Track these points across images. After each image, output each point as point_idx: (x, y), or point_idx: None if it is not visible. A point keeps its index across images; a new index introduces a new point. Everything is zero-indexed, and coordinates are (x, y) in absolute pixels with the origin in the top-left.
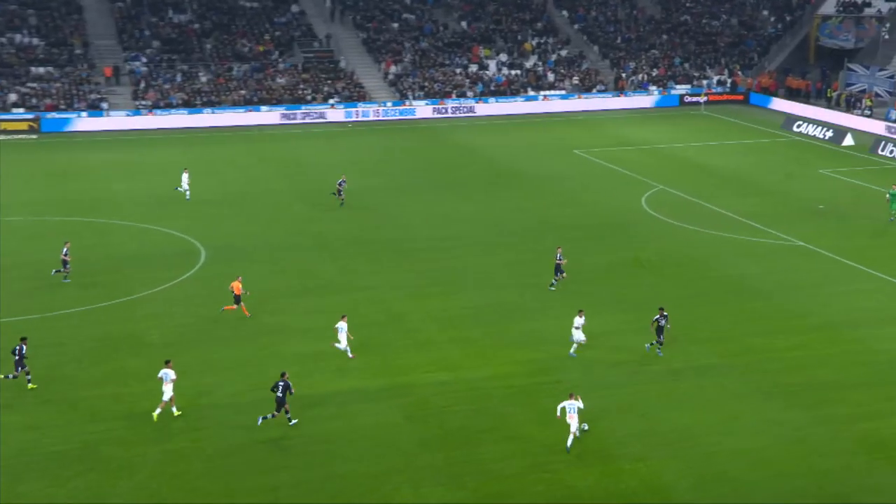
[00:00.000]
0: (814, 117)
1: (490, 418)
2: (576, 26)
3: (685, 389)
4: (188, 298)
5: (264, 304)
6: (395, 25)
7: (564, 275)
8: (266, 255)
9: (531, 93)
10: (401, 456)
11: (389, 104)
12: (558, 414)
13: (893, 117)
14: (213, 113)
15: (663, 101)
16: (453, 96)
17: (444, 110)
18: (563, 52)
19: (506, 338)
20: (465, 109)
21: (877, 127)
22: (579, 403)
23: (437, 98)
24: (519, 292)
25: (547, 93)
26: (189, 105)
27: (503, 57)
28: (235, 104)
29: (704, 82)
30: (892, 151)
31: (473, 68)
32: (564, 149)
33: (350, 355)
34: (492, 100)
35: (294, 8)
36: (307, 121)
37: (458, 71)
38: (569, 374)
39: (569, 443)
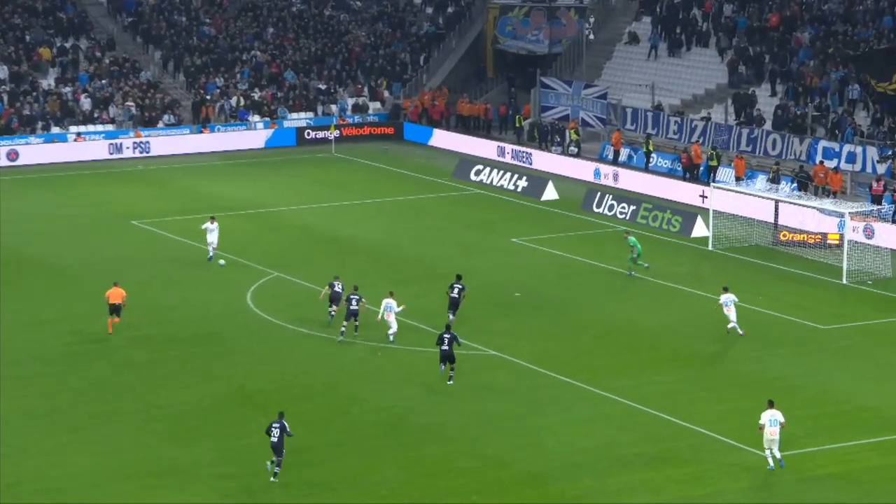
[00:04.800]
0: (499, 159)
1: None
2: (123, 20)
3: None
4: None
5: None
6: None
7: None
8: None
9: (56, 130)
10: None
11: None
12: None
13: (610, 156)
14: None
15: (274, 139)
16: None
17: None
18: (106, 63)
19: None
20: None
21: (588, 171)
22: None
23: None
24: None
25: (83, 129)
26: None
27: (0, 72)
28: None
29: (334, 108)
30: (612, 208)
31: None
32: (116, 218)
33: (390, 338)
34: None
35: None
36: None
37: None
38: None
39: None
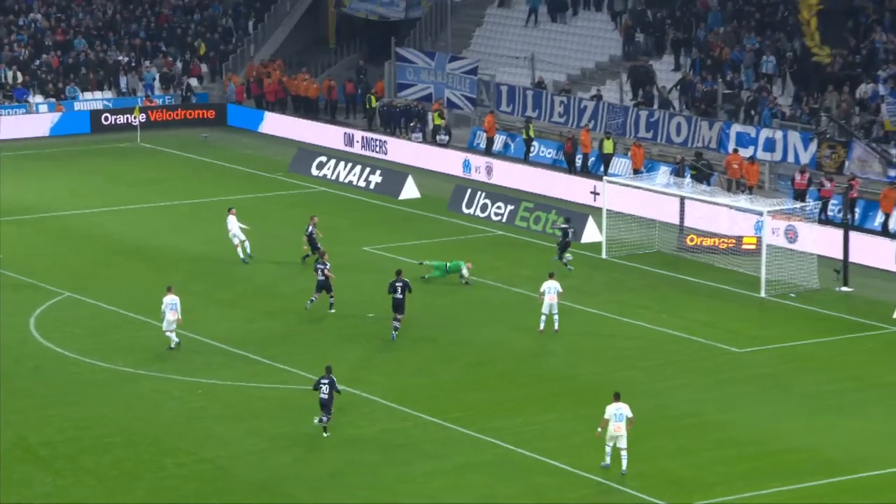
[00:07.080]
0: (347, 149)
1: None
2: None
3: None
4: None
5: None
6: None
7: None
8: None
9: None
10: None
11: None
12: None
13: (482, 145)
14: None
15: (62, 126)
16: None
17: None
18: None
19: None
20: None
21: (455, 163)
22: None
23: None
24: None
25: None
26: None
27: None
28: None
29: (140, 84)
30: (485, 208)
31: None
32: None
33: (172, 342)
34: None
35: None
36: None
37: None
38: None
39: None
